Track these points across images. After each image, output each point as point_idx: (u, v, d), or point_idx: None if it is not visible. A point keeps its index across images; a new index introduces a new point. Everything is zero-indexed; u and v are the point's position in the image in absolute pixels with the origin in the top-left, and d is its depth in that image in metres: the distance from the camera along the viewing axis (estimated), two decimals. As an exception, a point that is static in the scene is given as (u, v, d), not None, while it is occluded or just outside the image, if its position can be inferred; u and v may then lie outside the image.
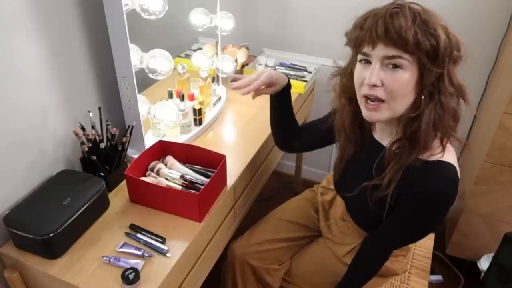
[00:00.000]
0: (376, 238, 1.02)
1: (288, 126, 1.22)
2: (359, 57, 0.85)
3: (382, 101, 0.83)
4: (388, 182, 0.88)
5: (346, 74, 0.95)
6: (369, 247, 1.05)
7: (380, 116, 0.86)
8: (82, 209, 0.94)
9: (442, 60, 0.78)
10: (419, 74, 0.81)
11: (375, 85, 0.81)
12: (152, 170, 1.11)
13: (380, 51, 0.79)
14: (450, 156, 0.87)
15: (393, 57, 0.79)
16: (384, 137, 0.96)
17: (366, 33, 0.80)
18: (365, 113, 0.88)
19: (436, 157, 0.85)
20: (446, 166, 0.85)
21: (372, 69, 0.81)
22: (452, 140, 0.88)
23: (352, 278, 1.08)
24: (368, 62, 0.84)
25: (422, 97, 0.82)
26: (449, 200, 0.85)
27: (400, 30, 0.76)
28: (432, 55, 0.78)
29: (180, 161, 1.15)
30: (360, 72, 0.86)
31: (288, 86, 1.15)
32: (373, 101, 0.84)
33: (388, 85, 0.81)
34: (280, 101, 1.17)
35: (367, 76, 0.82)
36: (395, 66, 0.80)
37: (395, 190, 0.88)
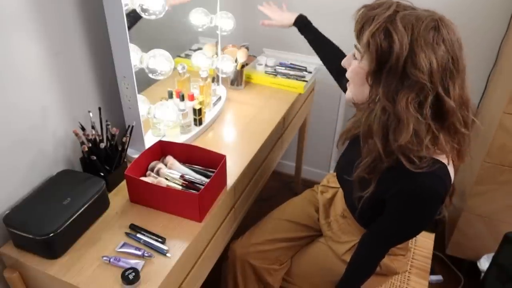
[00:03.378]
0: (370, 236, 1.03)
1: (326, 56, 1.37)
2: None
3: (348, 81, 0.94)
4: (356, 176, 0.93)
5: None
6: (364, 245, 1.05)
7: (346, 95, 0.97)
8: (82, 209, 0.94)
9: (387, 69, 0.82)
10: (373, 69, 0.84)
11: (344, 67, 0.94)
12: (152, 170, 1.11)
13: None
14: (442, 154, 0.87)
15: (355, 45, 0.87)
16: None
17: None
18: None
19: (428, 154, 0.85)
20: (435, 163, 0.85)
21: (349, 54, 0.92)
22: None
23: (351, 276, 1.08)
24: None
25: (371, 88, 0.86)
26: (436, 196, 0.85)
27: (363, 20, 0.83)
28: (380, 56, 0.81)
29: (180, 161, 1.15)
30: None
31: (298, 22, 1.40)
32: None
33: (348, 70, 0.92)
34: (302, 32, 1.41)
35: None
36: (354, 55, 0.89)
37: (382, 185, 0.89)
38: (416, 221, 0.92)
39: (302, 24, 1.41)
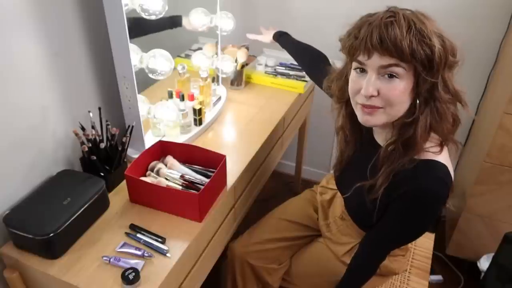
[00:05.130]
0: (372, 238, 1.03)
1: (304, 63, 1.38)
2: (354, 65, 0.85)
3: (379, 107, 0.84)
4: (380, 184, 0.89)
5: (342, 78, 0.95)
6: (365, 247, 1.05)
7: (376, 120, 0.86)
8: (82, 209, 0.94)
9: (437, 69, 0.78)
10: (414, 81, 0.81)
11: (372, 95, 0.82)
12: (152, 170, 1.11)
13: (376, 60, 0.80)
14: (441, 155, 0.87)
15: (389, 65, 0.79)
16: (380, 139, 0.97)
17: (360, 43, 0.80)
18: (361, 117, 0.88)
19: (428, 156, 0.86)
20: (436, 165, 0.85)
21: (368, 80, 0.82)
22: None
23: (351, 278, 1.08)
24: (363, 70, 0.84)
25: (417, 103, 0.83)
26: (438, 198, 0.85)
27: (395, 40, 0.76)
28: (427, 65, 0.78)
29: (180, 161, 1.15)
30: (355, 81, 0.86)
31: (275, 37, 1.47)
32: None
33: (385, 94, 0.82)
34: (280, 44, 1.46)
35: (364, 87, 0.82)
36: (391, 76, 0.80)
37: (386, 189, 0.89)
38: (418, 223, 0.92)
39: (278, 37, 1.46)
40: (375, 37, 0.77)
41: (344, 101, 0.97)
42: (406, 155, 0.85)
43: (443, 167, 0.85)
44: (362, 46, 0.80)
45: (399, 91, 0.80)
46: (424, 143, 0.85)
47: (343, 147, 1.05)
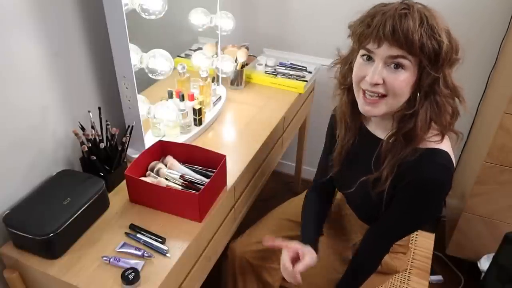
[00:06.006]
0: (376, 230, 1.03)
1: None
2: (362, 52, 0.86)
3: (383, 95, 0.85)
4: (386, 176, 0.90)
5: (347, 64, 0.96)
6: (369, 240, 1.05)
7: (377, 111, 0.87)
8: (82, 209, 0.94)
9: (441, 64, 0.80)
10: (418, 74, 0.82)
11: (377, 83, 0.83)
12: (152, 170, 1.11)
13: (385, 50, 0.81)
14: (443, 143, 0.88)
15: (397, 56, 0.80)
16: (379, 131, 0.97)
17: (372, 31, 0.81)
18: (363, 107, 0.89)
19: (430, 145, 0.87)
20: (439, 153, 0.86)
21: (375, 68, 0.83)
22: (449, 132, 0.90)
23: (353, 273, 1.08)
24: (370, 58, 0.85)
25: (418, 96, 0.84)
26: (442, 186, 0.86)
27: (407, 32, 0.77)
28: (433, 59, 0.79)
29: (180, 161, 1.15)
30: (360, 67, 0.87)
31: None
32: (372, 96, 0.86)
33: (389, 84, 0.83)
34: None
35: (370, 75, 0.83)
36: (397, 66, 0.81)
37: (392, 180, 0.90)
38: (423, 211, 0.93)
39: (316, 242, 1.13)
40: (388, 27, 0.78)
41: (346, 87, 0.98)
42: (408, 146, 0.87)
43: (446, 154, 0.87)
44: (374, 34, 0.81)
45: (403, 81, 0.82)
46: (425, 134, 0.86)
47: (343, 135, 1.05)
